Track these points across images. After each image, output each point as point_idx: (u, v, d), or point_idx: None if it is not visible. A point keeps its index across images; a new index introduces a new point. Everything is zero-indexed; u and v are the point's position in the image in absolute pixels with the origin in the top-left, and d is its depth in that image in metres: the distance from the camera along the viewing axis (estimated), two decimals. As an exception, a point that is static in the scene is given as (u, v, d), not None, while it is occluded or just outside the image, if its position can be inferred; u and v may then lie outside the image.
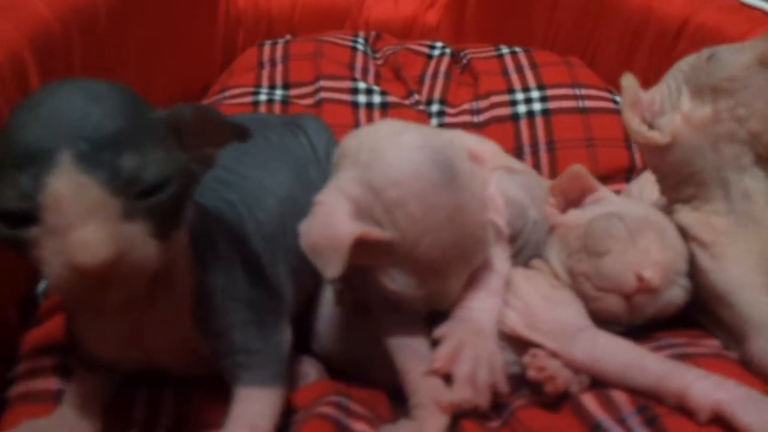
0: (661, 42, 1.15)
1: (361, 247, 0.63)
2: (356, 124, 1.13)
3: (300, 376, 0.77)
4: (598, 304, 0.72)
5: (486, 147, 0.72)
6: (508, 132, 1.14)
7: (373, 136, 0.68)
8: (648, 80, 1.20)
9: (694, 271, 0.74)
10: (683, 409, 0.58)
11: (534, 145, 1.13)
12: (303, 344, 0.82)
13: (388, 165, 0.64)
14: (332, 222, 0.63)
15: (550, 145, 1.13)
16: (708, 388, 0.57)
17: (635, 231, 0.73)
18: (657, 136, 0.75)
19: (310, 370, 0.78)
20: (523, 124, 1.15)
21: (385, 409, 0.72)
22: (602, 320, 0.74)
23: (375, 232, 0.63)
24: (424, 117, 1.17)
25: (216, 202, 0.70)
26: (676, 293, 0.74)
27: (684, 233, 0.75)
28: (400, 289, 0.66)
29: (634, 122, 0.78)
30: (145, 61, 1.05)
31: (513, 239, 0.88)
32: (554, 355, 0.66)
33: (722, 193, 0.74)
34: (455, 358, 0.66)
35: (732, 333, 0.70)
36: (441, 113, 1.19)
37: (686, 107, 0.75)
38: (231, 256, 0.66)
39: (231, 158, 0.78)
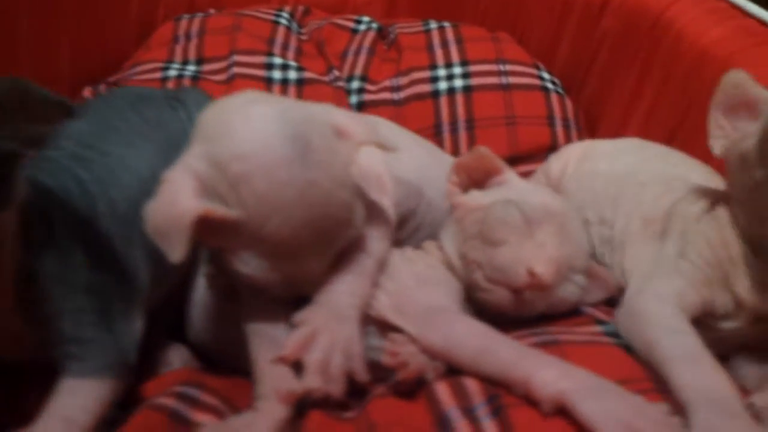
0: (587, 16, 1.11)
1: (207, 227, 0.59)
2: (269, 101, 1.08)
3: (162, 364, 0.73)
4: (487, 296, 0.68)
5: (357, 123, 0.67)
6: (428, 110, 1.10)
7: (224, 107, 0.63)
8: (576, 55, 1.16)
9: None
10: (529, 398, 0.53)
11: (453, 123, 1.08)
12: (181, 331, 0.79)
13: (234, 137, 0.59)
14: (175, 201, 0.59)
15: (470, 123, 1.08)
16: (552, 376, 0.52)
17: (533, 221, 0.68)
18: None
19: (174, 359, 0.74)
20: (443, 102, 1.10)
21: (250, 400, 0.68)
22: (489, 312, 0.69)
23: (219, 211, 0.58)
24: (342, 94, 1.12)
25: (64, 181, 0.65)
26: (570, 290, 0.70)
27: None
28: (252, 272, 0.62)
29: None
30: (40, 36, 1.00)
31: (405, 220, 0.84)
32: (413, 339, 0.62)
33: None
34: (307, 345, 0.61)
35: None
36: (361, 90, 1.14)
37: None
38: (69, 239, 0.62)
39: (94, 135, 0.73)
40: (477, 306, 0.71)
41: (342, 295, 0.65)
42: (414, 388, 0.60)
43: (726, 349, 0.67)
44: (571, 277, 0.70)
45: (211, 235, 0.60)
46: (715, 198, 0.70)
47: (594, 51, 1.11)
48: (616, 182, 0.81)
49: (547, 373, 0.53)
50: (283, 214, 0.58)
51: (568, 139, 1.07)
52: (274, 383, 0.60)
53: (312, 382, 0.59)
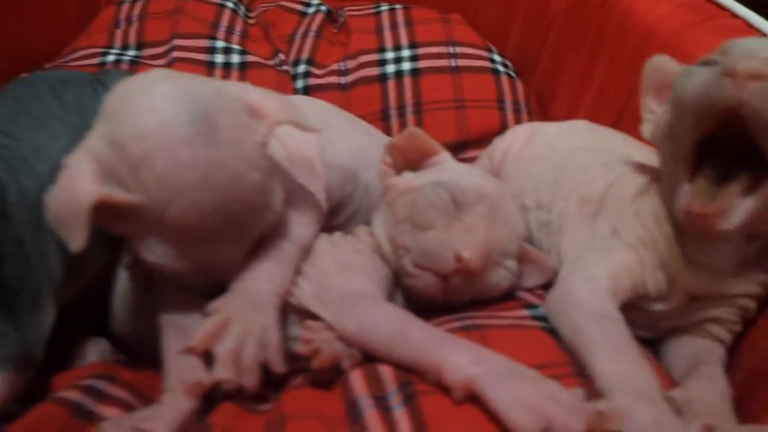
0: (537, 2, 1.08)
1: (109, 213, 0.55)
2: (211, 86, 1.04)
3: (78, 358, 0.70)
4: (414, 282, 0.65)
5: (273, 102, 0.63)
6: (375, 93, 1.07)
7: (128, 86, 0.60)
8: (527, 37, 1.13)
9: None
10: (441, 385, 0.51)
11: (401, 107, 1.05)
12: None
13: (134, 117, 0.55)
14: (73, 187, 0.55)
15: (418, 107, 1.05)
16: (462, 362, 0.50)
17: (463, 204, 0.65)
18: None
19: (91, 352, 0.70)
20: (391, 85, 1.07)
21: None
22: (418, 298, 0.67)
23: (118, 196, 0.54)
24: (287, 78, 1.09)
25: None
26: (501, 275, 0.68)
27: None
28: (158, 260, 0.58)
29: None
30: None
31: (341, 205, 0.81)
32: (330, 327, 0.59)
33: None
34: (219, 335, 0.58)
35: None
36: (307, 74, 1.10)
37: None
38: None
39: (6, 119, 0.70)
40: (407, 292, 0.68)
41: (260, 282, 0.62)
42: (332, 378, 0.58)
43: (658, 333, 0.65)
44: (503, 262, 0.67)
45: (114, 221, 0.57)
46: (651, 178, 0.67)
47: (544, 32, 1.08)
48: (556, 167, 0.78)
49: (458, 358, 0.50)
50: (186, 198, 0.55)
51: (519, 122, 1.04)
52: (180, 375, 0.57)
53: (221, 373, 0.56)
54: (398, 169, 0.74)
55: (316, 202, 0.72)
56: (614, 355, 0.51)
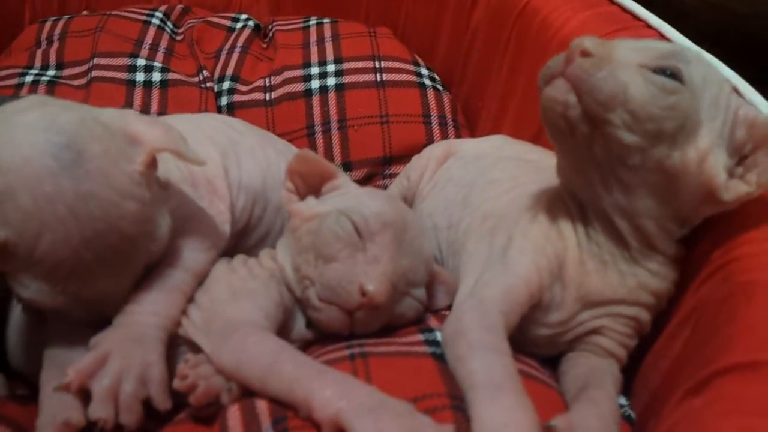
0: (461, 10, 1.08)
1: None
2: (130, 105, 1.02)
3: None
4: (319, 315, 0.63)
5: (154, 129, 0.61)
6: (299, 110, 1.05)
7: None
8: (452, 50, 1.13)
9: None
10: (312, 419, 0.49)
11: (326, 124, 1.04)
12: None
13: None
14: None
15: (342, 123, 1.03)
16: (331, 396, 0.48)
17: (366, 234, 0.64)
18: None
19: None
20: (316, 101, 1.05)
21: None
22: (324, 331, 0.65)
23: None
24: (210, 95, 1.07)
25: None
26: (408, 305, 0.66)
27: None
28: (33, 296, 0.56)
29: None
30: None
31: (251, 228, 0.79)
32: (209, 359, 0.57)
33: None
34: (95, 372, 0.56)
35: None
36: (232, 91, 1.08)
37: None
38: None
39: None
40: (311, 322, 0.66)
41: (144, 315, 0.60)
42: (212, 412, 0.55)
43: (556, 349, 0.64)
44: (410, 291, 0.66)
45: None
46: (550, 183, 0.67)
47: (468, 45, 1.08)
48: (467, 184, 0.77)
49: (327, 392, 0.48)
50: (55, 232, 0.53)
51: (445, 137, 1.04)
52: (52, 413, 0.55)
53: (96, 411, 0.54)
54: (301, 195, 0.73)
55: (214, 226, 0.70)
56: (493, 397, 0.49)
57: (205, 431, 0.54)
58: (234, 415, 0.53)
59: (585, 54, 0.54)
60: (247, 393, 0.55)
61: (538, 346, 0.63)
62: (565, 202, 0.63)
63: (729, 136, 0.57)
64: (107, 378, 0.55)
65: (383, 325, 0.65)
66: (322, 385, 0.49)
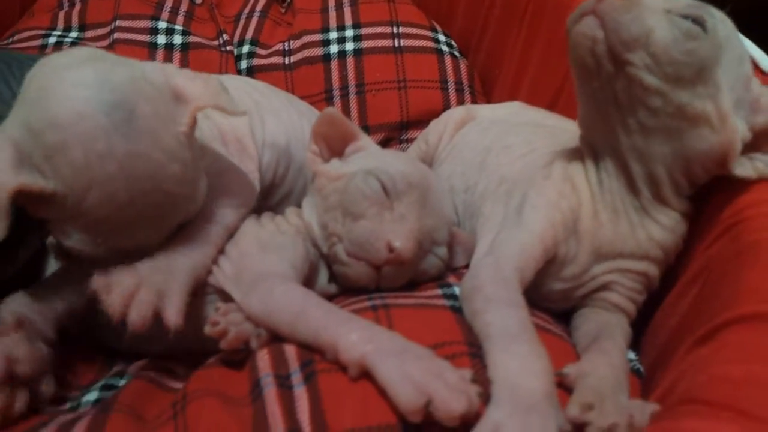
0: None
1: (28, 198, 0.55)
2: (153, 68, 1.04)
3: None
4: (347, 270, 0.66)
5: (198, 85, 0.62)
6: (318, 74, 1.07)
7: (46, 66, 0.59)
8: (471, 17, 1.13)
9: None
10: (339, 363, 0.52)
11: (344, 88, 1.06)
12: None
13: (50, 104, 0.55)
14: None
15: (360, 87, 1.05)
16: (357, 340, 0.51)
17: (393, 193, 0.66)
18: None
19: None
20: (334, 66, 1.07)
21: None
22: (350, 285, 0.68)
23: (36, 184, 0.54)
24: (230, 59, 1.09)
25: None
26: (432, 263, 0.69)
27: None
28: (74, 245, 0.58)
29: None
30: None
31: (275, 186, 0.82)
32: (239, 307, 0.60)
33: None
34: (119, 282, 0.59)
35: None
36: (251, 55, 1.10)
37: None
38: None
39: None
40: (336, 275, 0.69)
41: (177, 259, 0.62)
42: (242, 357, 0.59)
43: (570, 303, 0.67)
44: (433, 249, 0.69)
45: (33, 206, 0.57)
46: (564, 144, 0.69)
47: (486, 13, 1.09)
48: (484, 149, 0.79)
49: (352, 337, 0.51)
50: (104, 189, 0.55)
51: (461, 103, 1.05)
52: None
53: (110, 303, 0.57)
54: (325, 157, 0.75)
55: (245, 184, 0.73)
56: (508, 346, 0.52)
57: (235, 374, 0.58)
58: (264, 358, 0.56)
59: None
60: (275, 339, 0.58)
61: (553, 301, 0.66)
62: (581, 156, 0.65)
63: (749, 115, 0.60)
64: (128, 280, 0.58)
65: (407, 281, 0.68)
66: (348, 330, 0.52)
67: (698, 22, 0.56)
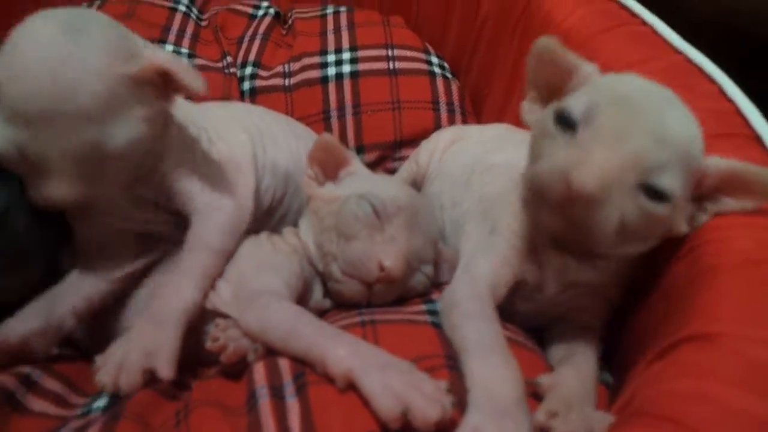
0: (470, 4, 1.13)
1: None
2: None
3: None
4: (340, 287, 0.72)
5: (165, 53, 0.68)
6: (316, 95, 1.12)
7: None
8: (462, 40, 1.18)
9: None
10: (327, 376, 0.57)
11: (341, 109, 1.10)
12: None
13: (13, 36, 0.63)
14: None
15: (357, 108, 1.10)
16: (344, 355, 0.56)
17: (384, 216, 0.72)
18: None
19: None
20: (332, 87, 1.12)
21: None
22: (341, 300, 0.73)
23: None
24: (234, 80, 1.14)
25: None
26: (419, 280, 0.75)
27: None
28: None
29: None
30: None
31: (274, 208, 0.86)
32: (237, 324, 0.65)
33: None
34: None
35: None
36: (253, 76, 1.15)
37: None
38: None
39: None
40: (330, 292, 0.75)
41: (167, 299, 0.67)
42: (240, 369, 0.64)
43: (546, 320, 0.71)
44: (421, 267, 0.74)
45: None
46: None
47: (476, 35, 1.13)
48: (470, 168, 0.84)
49: (340, 352, 0.56)
50: (30, 73, 0.60)
51: (452, 123, 1.10)
52: None
53: (99, 376, 0.61)
54: (320, 181, 0.80)
55: (238, 207, 0.77)
56: (483, 358, 0.57)
57: (233, 385, 0.63)
58: (259, 371, 0.61)
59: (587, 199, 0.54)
60: (270, 352, 0.63)
61: (527, 317, 0.71)
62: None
63: (694, 187, 0.60)
64: (117, 351, 0.62)
65: (396, 297, 0.73)
66: (335, 345, 0.57)
67: (660, 193, 0.55)
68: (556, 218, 0.57)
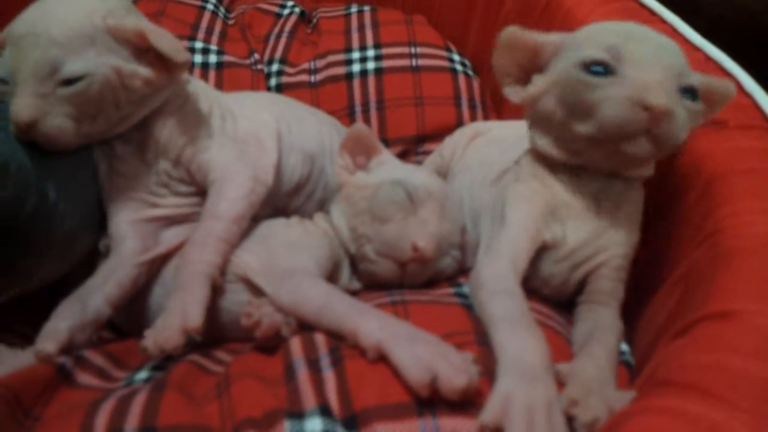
0: (491, 3, 1.16)
1: None
2: (189, 85, 1.13)
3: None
4: (374, 267, 0.75)
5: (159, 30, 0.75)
6: (341, 91, 1.15)
7: None
8: (483, 37, 1.21)
9: None
10: (359, 349, 0.60)
11: (365, 104, 1.14)
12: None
13: None
14: None
15: (380, 104, 1.13)
16: (373, 328, 0.59)
17: (417, 201, 0.75)
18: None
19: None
20: (356, 84, 1.15)
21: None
22: (374, 280, 0.76)
23: None
24: (261, 76, 1.17)
25: None
26: (448, 263, 0.78)
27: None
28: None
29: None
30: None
31: (300, 186, 0.90)
32: (270, 300, 0.68)
33: None
34: None
35: None
36: (280, 73, 1.19)
37: None
38: None
39: None
40: (363, 274, 0.78)
41: (191, 264, 0.72)
42: (275, 344, 0.67)
43: (565, 296, 0.74)
44: (449, 251, 0.78)
45: None
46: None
47: (498, 30, 1.15)
48: (489, 163, 0.87)
49: (370, 325, 0.59)
50: (34, 6, 0.73)
51: (474, 119, 1.13)
52: None
53: (144, 342, 0.66)
54: (350, 170, 0.84)
55: (255, 177, 0.80)
56: (510, 329, 0.59)
57: (270, 358, 0.65)
58: (296, 344, 0.64)
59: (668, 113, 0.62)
60: (304, 327, 0.66)
61: (554, 287, 0.73)
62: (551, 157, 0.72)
63: None
64: (158, 324, 0.67)
65: (427, 279, 0.76)
66: (367, 319, 0.60)
67: (694, 90, 0.66)
68: (637, 147, 0.64)
